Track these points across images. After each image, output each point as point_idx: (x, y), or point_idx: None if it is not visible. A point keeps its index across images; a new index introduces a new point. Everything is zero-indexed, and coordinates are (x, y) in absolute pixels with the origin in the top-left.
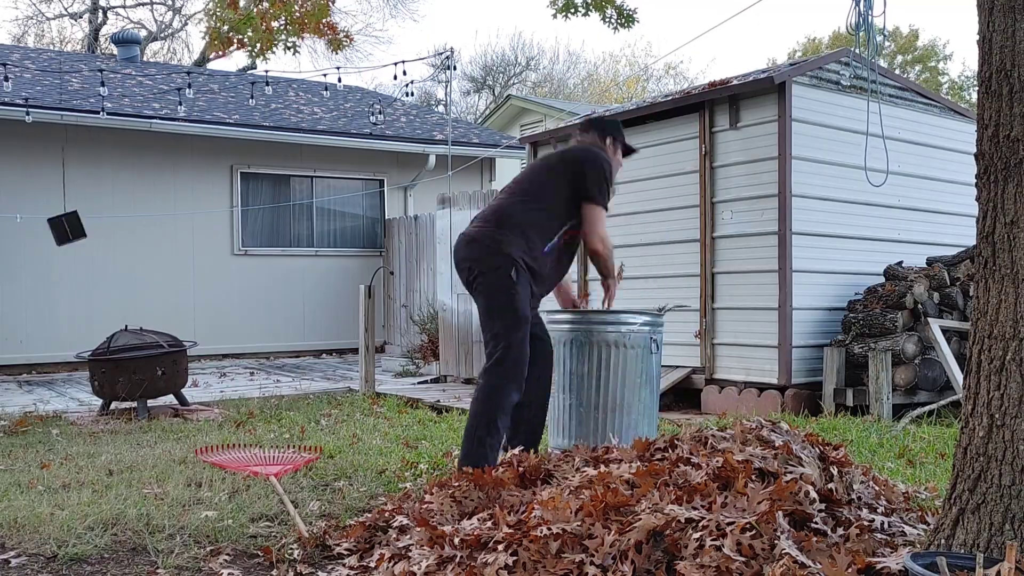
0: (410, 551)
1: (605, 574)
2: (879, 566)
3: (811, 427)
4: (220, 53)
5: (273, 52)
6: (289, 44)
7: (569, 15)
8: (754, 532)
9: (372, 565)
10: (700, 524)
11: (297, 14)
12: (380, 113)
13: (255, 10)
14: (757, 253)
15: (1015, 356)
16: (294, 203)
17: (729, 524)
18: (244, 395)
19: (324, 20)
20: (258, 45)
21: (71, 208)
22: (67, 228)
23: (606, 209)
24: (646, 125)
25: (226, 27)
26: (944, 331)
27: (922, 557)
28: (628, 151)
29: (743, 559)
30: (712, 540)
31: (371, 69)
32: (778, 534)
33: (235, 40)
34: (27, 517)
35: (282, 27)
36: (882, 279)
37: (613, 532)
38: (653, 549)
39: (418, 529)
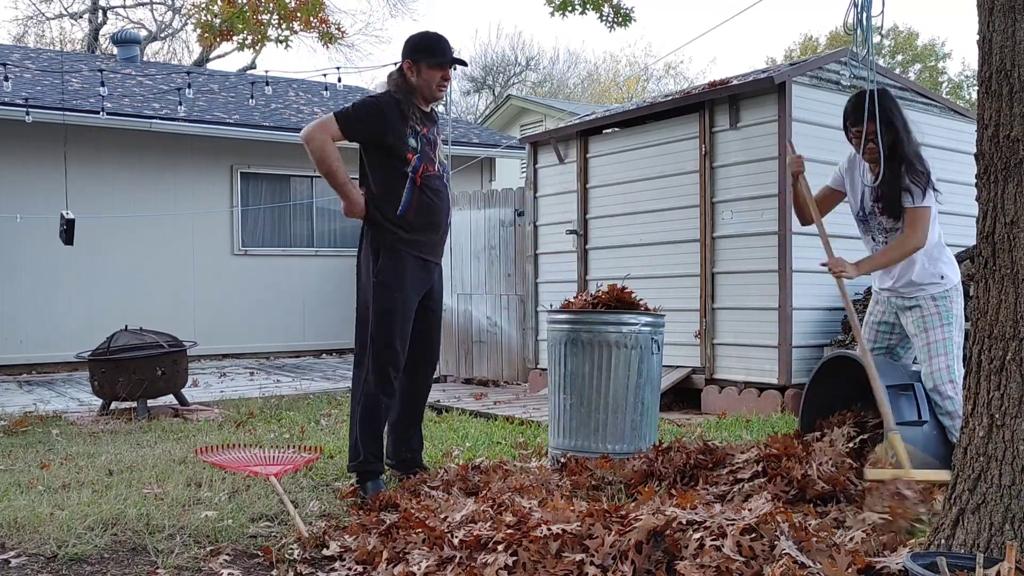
0: (408, 553)
1: (605, 574)
2: (879, 566)
3: None
4: (211, 46)
5: (263, 45)
6: (281, 38)
7: (566, 13)
8: (754, 535)
9: (371, 565)
10: (702, 525)
11: (291, 6)
12: None
13: (246, 3)
14: (757, 253)
15: (1015, 356)
16: (294, 203)
17: (730, 524)
18: (244, 395)
19: (319, 15)
20: (249, 38)
21: (74, 209)
22: (67, 233)
23: (340, 124)
24: (646, 125)
25: (217, 20)
26: None
27: (922, 557)
28: (441, 63)
29: (743, 559)
30: (712, 540)
31: (371, 69)
32: (778, 535)
33: (226, 33)
34: (27, 517)
35: (271, 21)
36: None
37: (613, 533)
38: (653, 549)
39: (417, 531)
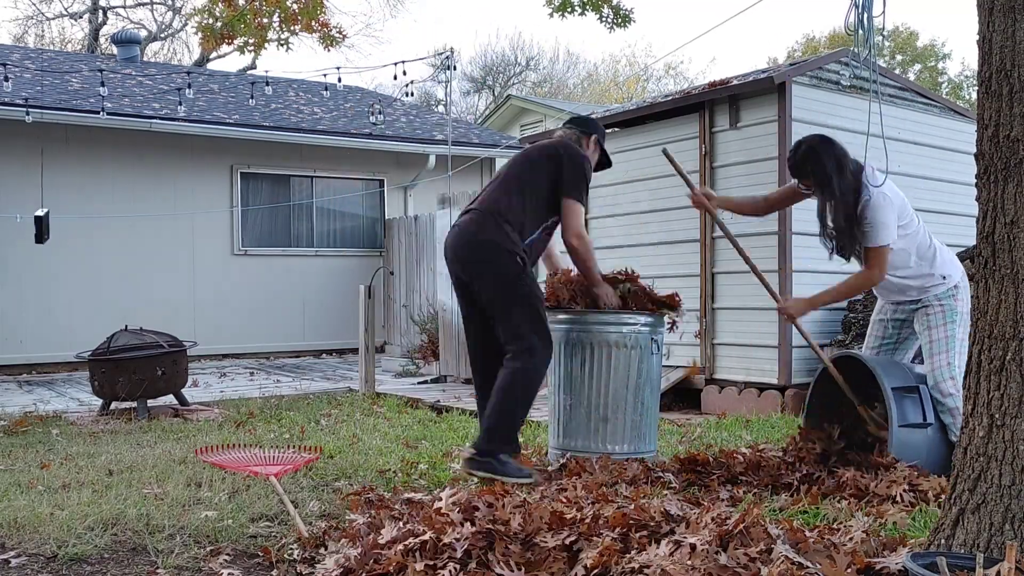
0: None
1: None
2: (878, 566)
3: None
4: (212, 49)
5: (265, 48)
6: (282, 41)
7: (566, 14)
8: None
9: None
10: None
11: (293, 10)
12: (380, 113)
13: (247, 6)
14: (757, 253)
15: (1015, 356)
16: (294, 203)
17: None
18: (244, 395)
19: (320, 17)
20: (250, 41)
21: (43, 211)
22: (42, 228)
23: (583, 206)
24: (646, 125)
25: (218, 24)
26: None
27: (922, 557)
28: (604, 161)
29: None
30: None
31: (371, 69)
32: (774, 537)
33: (227, 36)
34: (27, 517)
35: (272, 23)
36: None
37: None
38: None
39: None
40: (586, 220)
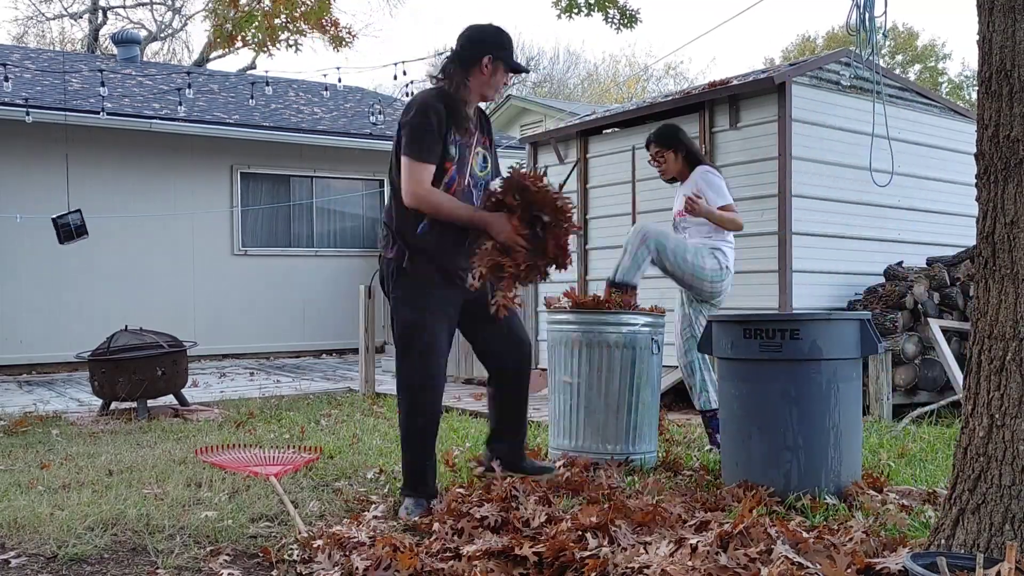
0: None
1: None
2: (878, 566)
3: None
4: (225, 50)
5: (277, 48)
6: (292, 42)
7: (572, 15)
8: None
9: None
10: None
11: (300, 10)
12: (380, 113)
13: (257, 7)
14: (757, 253)
15: (1015, 356)
16: (294, 203)
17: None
18: (244, 395)
19: (326, 17)
20: (264, 41)
21: (74, 207)
22: (71, 227)
23: (422, 161)
24: (646, 125)
25: (229, 25)
26: (944, 331)
27: (922, 557)
28: (514, 68)
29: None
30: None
31: (371, 69)
32: (774, 538)
33: (239, 37)
34: (27, 517)
35: (283, 24)
36: (882, 279)
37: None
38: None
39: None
40: (585, 220)
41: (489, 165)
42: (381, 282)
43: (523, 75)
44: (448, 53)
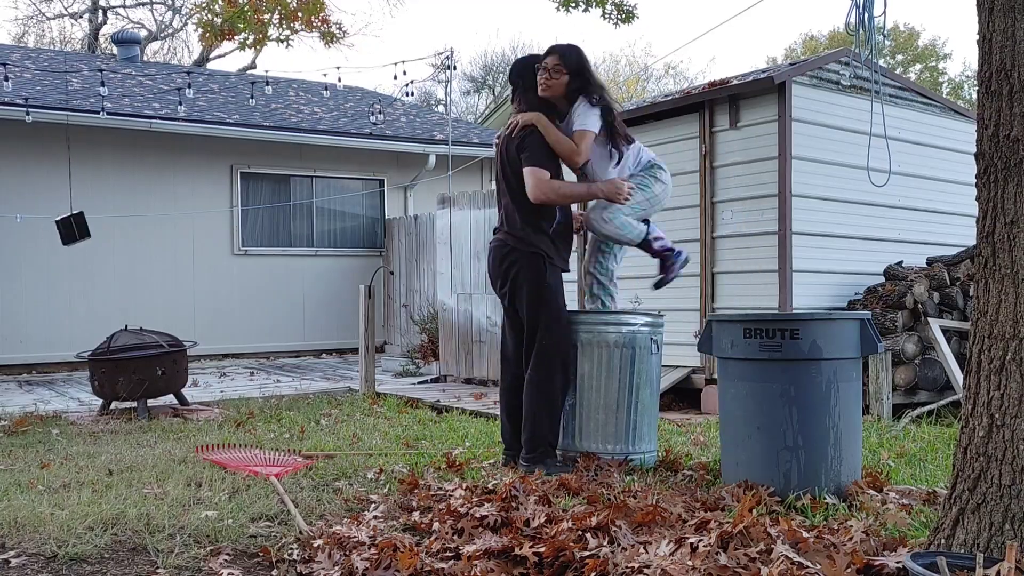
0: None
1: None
2: (878, 565)
3: None
4: (211, 46)
5: (265, 45)
6: (282, 38)
7: (571, 8)
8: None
9: None
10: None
11: (292, 6)
12: (380, 113)
13: (247, 3)
14: (757, 253)
15: (1015, 356)
16: (294, 203)
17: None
18: (244, 395)
19: (319, 15)
20: (250, 37)
21: (76, 208)
22: (74, 228)
23: (542, 167)
24: (646, 125)
25: (218, 20)
26: (944, 331)
27: (922, 557)
28: (523, 87)
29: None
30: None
31: (371, 69)
32: (774, 538)
33: (227, 33)
34: (27, 517)
35: (272, 20)
36: (882, 279)
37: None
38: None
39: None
40: None
41: None
42: (512, 270)
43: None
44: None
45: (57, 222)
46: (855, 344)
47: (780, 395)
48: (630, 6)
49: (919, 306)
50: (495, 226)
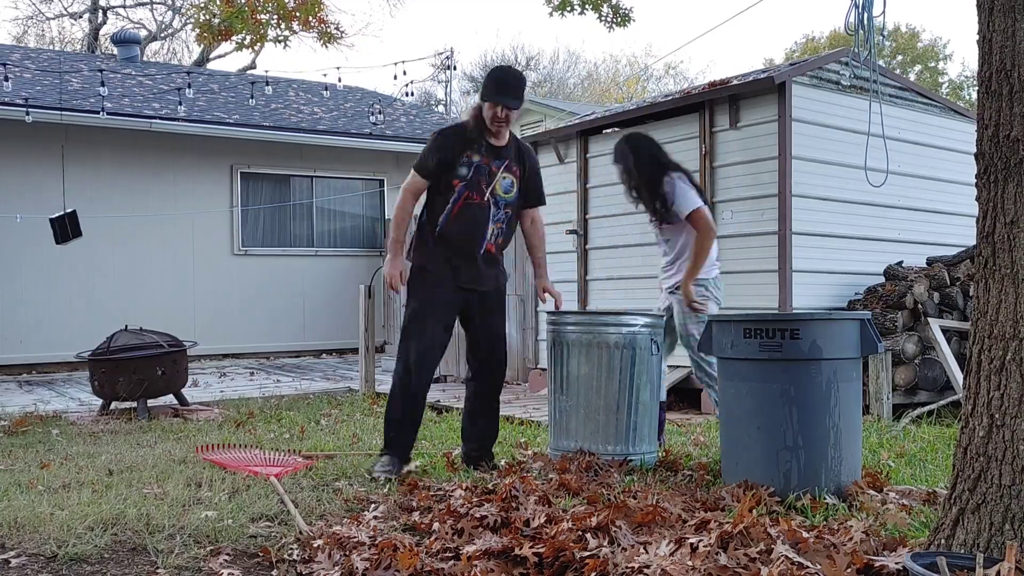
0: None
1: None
2: (878, 565)
3: None
4: (209, 46)
5: (263, 45)
6: (280, 38)
7: (565, 13)
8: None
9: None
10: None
11: (291, 6)
12: (380, 113)
13: (245, 3)
14: (757, 253)
15: (1015, 356)
16: (294, 203)
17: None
18: (244, 395)
19: (316, 15)
20: (248, 38)
21: (70, 208)
22: (68, 227)
23: (418, 174)
24: (646, 125)
25: (216, 20)
26: (944, 331)
27: (922, 557)
28: (488, 98)
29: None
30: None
31: (371, 69)
32: (774, 538)
33: (225, 33)
34: (27, 517)
35: (270, 20)
36: (882, 279)
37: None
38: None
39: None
40: (585, 220)
41: (515, 189)
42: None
43: (517, 103)
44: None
45: (51, 220)
46: (855, 344)
47: (780, 395)
48: (626, 9)
49: (919, 306)
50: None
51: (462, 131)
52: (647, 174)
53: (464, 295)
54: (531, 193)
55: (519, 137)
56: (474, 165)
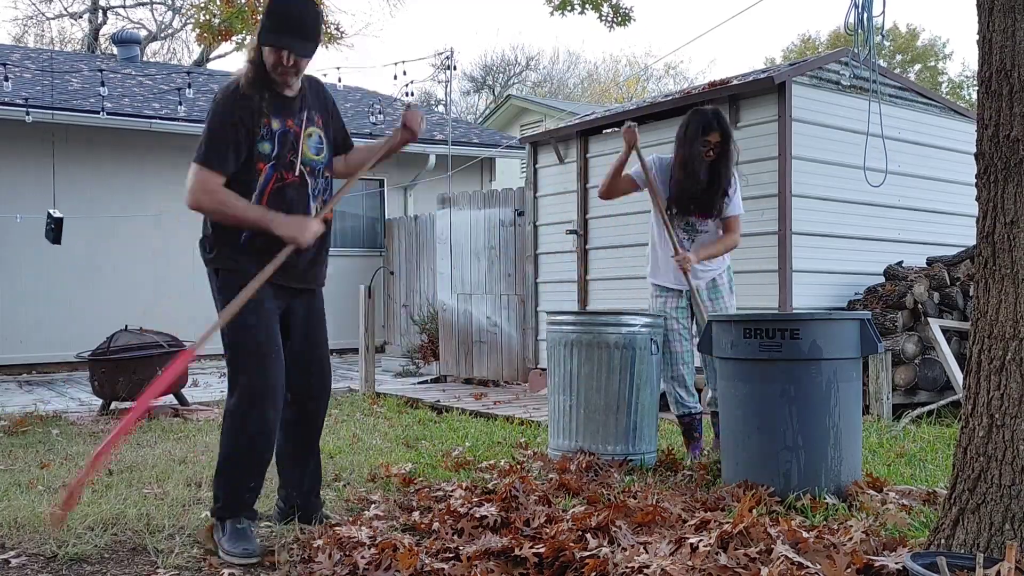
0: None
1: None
2: (877, 565)
3: None
4: (209, 46)
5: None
6: None
7: (565, 12)
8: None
9: None
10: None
11: None
12: (380, 113)
13: (245, 3)
14: (757, 253)
15: (1015, 356)
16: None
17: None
18: None
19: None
20: (248, 38)
21: (60, 213)
22: (57, 230)
23: (211, 169)
24: (646, 125)
25: (216, 20)
26: (944, 331)
27: (922, 557)
28: (268, 40)
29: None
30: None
31: (371, 69)
32: (774, 538)
33: (225, 33)
34: (27, 517)
35: None
36: (882, 279)
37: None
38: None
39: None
40: (585, 220)
41: (325, 145)
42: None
43: (308, 47)
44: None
45: (48, 216)
46: (855, 344)
47: (780, 395)
48: (626, 9)
49: (919, 306)
50: None
51: (246, 97)
52: (733, 158)
53: (286, 299)
54: (339, 139)
55: (519, 138)
56: (277, 135)
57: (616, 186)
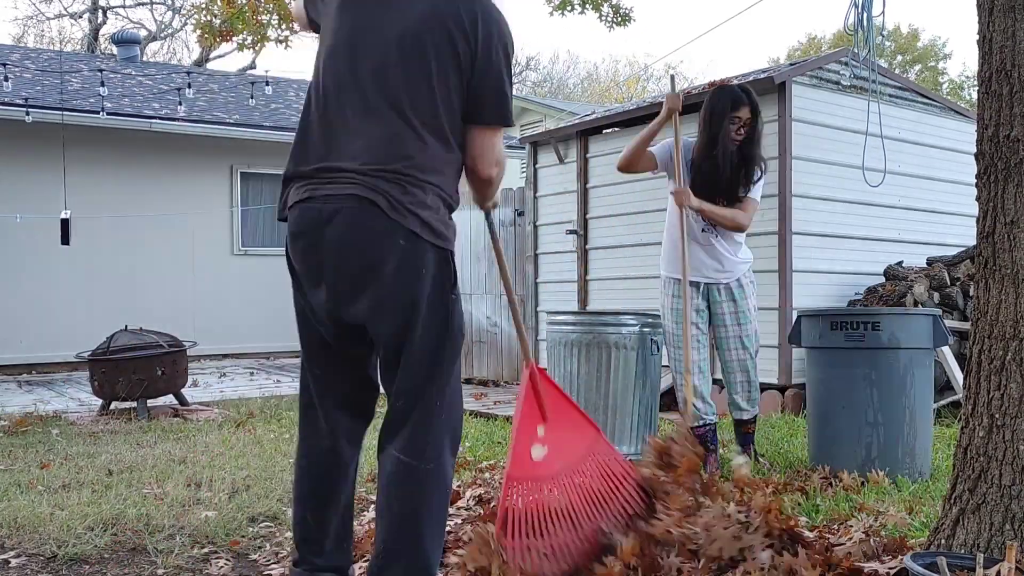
0: None
1: None
2: (866, 571)
3: None
4: (210, 47)
5: (263, 46)
6: (281, 38)
7: (565, 12)
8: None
9: None
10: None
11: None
12: None
13: (246, 3)
14: (757, 253)
15: (1015, 356)
16: None
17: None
18: (244, 395)
19: None
20: (249, 39)
21: (68, 213)
22: (67, 231)
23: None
24: (646, 125)
25: (217, 21)
26: None
27: (922, 557)
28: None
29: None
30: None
31: None
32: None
33: (226, 34)
34: (27, 517)
35: (271, 21)
36: (882, 279)
37: None
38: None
39: None
40: (585, 220)
41: None
42: (414, 272)
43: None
44: None
45: (62, 220)
46: (928, 336)
47: (863, 379)
48: (626, 9)
49: (919, 306)
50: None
51: None
52: (761, 140)
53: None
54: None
55: (519, 138)
56: None
57: (637, 159)
